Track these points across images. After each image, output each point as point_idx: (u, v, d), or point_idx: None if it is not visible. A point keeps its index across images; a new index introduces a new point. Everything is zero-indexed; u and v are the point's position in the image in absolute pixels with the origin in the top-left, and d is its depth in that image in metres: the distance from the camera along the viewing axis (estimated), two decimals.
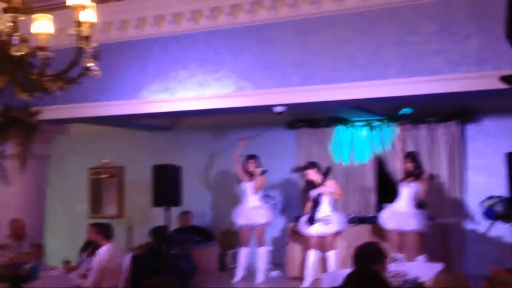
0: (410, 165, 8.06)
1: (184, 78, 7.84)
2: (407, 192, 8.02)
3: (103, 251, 6.97)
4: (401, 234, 7.96)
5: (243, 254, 8.75)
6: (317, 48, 7.09)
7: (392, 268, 5.43)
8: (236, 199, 9.69)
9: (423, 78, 6.56)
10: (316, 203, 8.09)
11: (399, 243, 7.94)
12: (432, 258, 7.68)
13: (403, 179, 8.11)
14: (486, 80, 6.15)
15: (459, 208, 9.08)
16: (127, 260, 7.13)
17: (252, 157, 8.77)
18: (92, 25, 4.43)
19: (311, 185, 8.26)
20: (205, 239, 9.96)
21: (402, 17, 6.70)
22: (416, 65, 6.61)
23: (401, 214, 7.97)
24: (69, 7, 4.30)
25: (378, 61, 6.78)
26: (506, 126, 8.84)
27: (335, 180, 8.62)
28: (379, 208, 8.87)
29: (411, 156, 8.19)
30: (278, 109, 7.64)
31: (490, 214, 8.56)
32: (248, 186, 8.73)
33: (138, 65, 8.11)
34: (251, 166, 8.68)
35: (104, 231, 7.19)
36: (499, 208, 8.47)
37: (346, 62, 6.94)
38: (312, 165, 8.44)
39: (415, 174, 8.00)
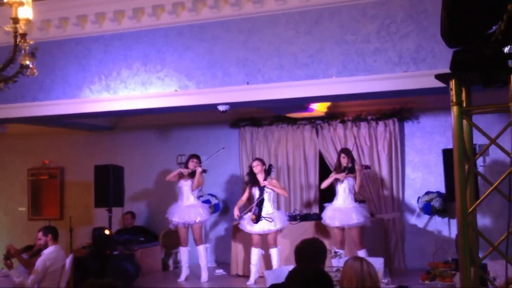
0: (344, 160, 8.20)
1: (126, 77, 7.74)
2: (343, 188, 8.17)
3: (49, 252, 6.86)
4: (343, 229, 8.11)
5: (184, 252, 8.75)
6: (260, 47, 7.14)
7: (333, 263, 5.57)
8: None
9: (363, 77, 6.70)
10: (260, 201, 8.14)
11: (341, 239, 8.10)
12: (372, 253, 7.85)
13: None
14: (423, 79, 6.33)
15: (398, 204, 9.31)
16: (68, 261, 7.02)
17: (194, 156, 8.82)
18: (29, 22, 4.32)
19: (254, 178, 8.30)
20: (149, 239, 9.88)
21: (342, 17, 6.82)
22: (356, 64, 6.74)
23: (342, 210, 8.10)
24: (5, 3, 4.19)
25: (320, 60, 6.88)
26: (442, 124, 9.11)
27: (277, 177, 8.66)
28: (322, 205, 8.98)
29: (345, 152, 8.32)
30: (222, 107, 7.64)
31: (428, 209, 8.82)
32: (185, 184, 8.72)
33: (79, 64, 7.95)
34: (192, 164, 8.68)
35: (51, 233, 7.09)
36: (436, 203, 8.74)
37: (288, 61, 7.01)
38: (260, 159, 8.54)
39: (348, 168, 8.14)
